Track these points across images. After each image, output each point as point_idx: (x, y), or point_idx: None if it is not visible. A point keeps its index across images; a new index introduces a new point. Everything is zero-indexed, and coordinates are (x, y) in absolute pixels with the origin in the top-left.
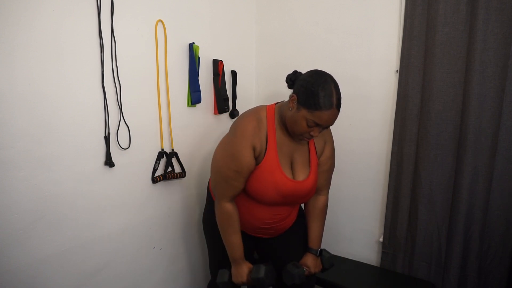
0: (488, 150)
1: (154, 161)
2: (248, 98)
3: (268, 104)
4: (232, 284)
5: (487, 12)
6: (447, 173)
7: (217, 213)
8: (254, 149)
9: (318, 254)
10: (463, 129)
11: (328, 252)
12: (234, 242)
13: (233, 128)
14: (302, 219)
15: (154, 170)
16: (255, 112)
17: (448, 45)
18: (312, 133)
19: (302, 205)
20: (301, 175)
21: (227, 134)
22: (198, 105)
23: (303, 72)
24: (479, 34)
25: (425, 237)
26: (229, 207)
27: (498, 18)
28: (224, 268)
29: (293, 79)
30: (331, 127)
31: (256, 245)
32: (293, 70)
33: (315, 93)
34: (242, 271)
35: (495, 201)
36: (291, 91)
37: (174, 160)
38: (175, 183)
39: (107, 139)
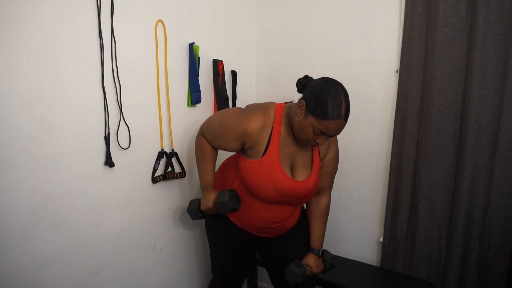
0: (488, 150)
1: (154, 161)
2: (248, 98)
3: (277, 103)
4: (200, 212)
5: (487, 12)
6: (447, 173)
7: (196, 145)
8: (243, 143)
9: (320, 255)
10: (463, 129)
11: (330, 253)
12: (205, 170)
13: (243, 109)
14: (304, 220)
15: (154, 170)
16: (266, 109)
17: (448, 45)
18: (318, 140)
19: (304, 205)
20: (301, 176)
21: (237, 109)
22: (198, 105)
23: (313, 76)
24: (479, 34)
25: (425, 237)
26: (206, 142)
27: (498, 18)
28: (227, 271)
29: (304, 84)
30: None
31: (258, 245)
32: (294, 72)
33: (324, 102)
34: (209, 197)
35: (495, 201)
36: (292, 91)
37: (174, 160)
38: (175, 183)
39: (107, 139)
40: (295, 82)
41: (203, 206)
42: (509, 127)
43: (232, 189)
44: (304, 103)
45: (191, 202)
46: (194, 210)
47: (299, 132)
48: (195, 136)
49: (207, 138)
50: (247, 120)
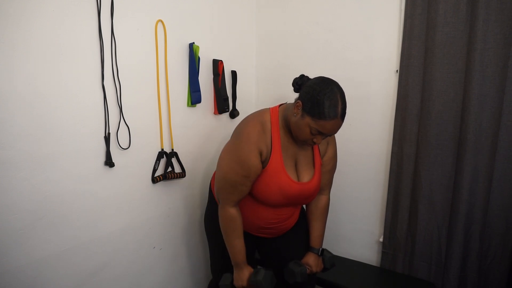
0: (488, 150)
1: (154, 161)
2: (248, 98)
3: (271, 107)
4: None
5: (487, 12)
6: (447, 173)
7: (221, 218)
8: (260, 154)
9: (319, 254)
10: (463, 129)
11: (330, 252)
12: (236, 246)
13: (237, 133)
14: (304, 219)
15: (154, 170)
16: (258, 116)
17: (448, 45)
18: (315, 140)
19: (304, 205)
20: (306, 176)
21: (232, 140)
22: (198, 105)
23: (310, 76)
24: (479, 34)
25: (425, 237)
26: (233, 211)
27: (498, 18)
28: (227, 271)
29: (300, 84)
30: None
31: (258, 245)
32: (294, 72)
33: (320, 102)
34: (243, 275)
35: (495, 201)
36: (292, 91)
37: (174, 160)
38: (175, 183)
39: (107, 139)
40: None
41: (236, 283)
42: (509, 127)
43: (268, 268)
44: (300, 103)
45: (225, 276)
46: (227, 286)
47: (297, 132)
48: (195, 136)
49: (235, 197)
50: (247, 157)
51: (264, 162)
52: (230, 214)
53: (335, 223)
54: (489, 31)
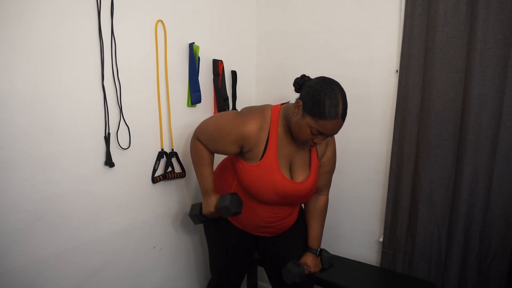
0: (488, 150)
1: (154, 161)
2: (248, 98)
3: (273, 105)
4: (202, 216)
5: (487, 12)
6: (447, 173)
7: (191, 148)
8: (241, 146)
9: (318, 254)
10: (463, 129)
11: (328, 252)
12: (204, 174)
13: (239, 113)
14: (302, 219)
15: (154, 170)
16: (262, 111)
17: (448, 45)
18: (315, 140)
19: (303, 204)
20: (300, 176)
21: (233, 112)
22: (198, 105)
23: (311, 76)
24: (479, 34)
25: (425, 237)
26: (201, 146)
27: (498, 18)
28: (226, 271)
29: (301, 84)
30: None
31: (256, 244)
32: (294, 72)
33: (321, 102)
34: (211, 201)
35: (495, 201)
36: (292, 91)
37: (174, 160)
38: (175, 183)
39: (107, 139)
40: None
41: (204, 211)
42: (509, 127)
43: (233, 192)
44: (301, 103)
45: (193, 206)
46: (196, 214)
47: (297, 132)
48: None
49: (203, 142)
50: (245, 123)
51: (252, 157)
52: (199, 147)
53: (335, 223)
54: (489, 31)
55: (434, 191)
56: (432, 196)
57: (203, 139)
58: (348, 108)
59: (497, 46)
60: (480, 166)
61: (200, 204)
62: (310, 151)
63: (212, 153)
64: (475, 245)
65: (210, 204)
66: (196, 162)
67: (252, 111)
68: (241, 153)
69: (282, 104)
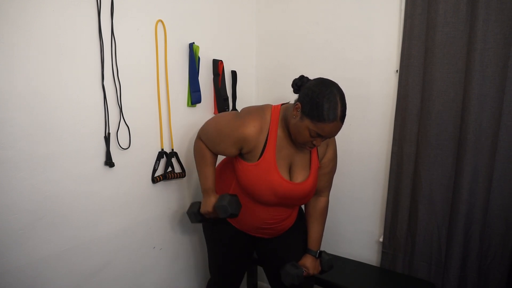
0: (488, 150)
1: (154, 161)
2: (248, 98)
3: (273, 105)
4: (200, 215)
5: (487, 12)
6: (447, 173)
7: (194, 148)
8: (241, 148)
9: (317, 256)
10: (463, 129)
11: (328, 254)
12: (206, 173)
13: (238, 114)
14: (302, 220)
15: (154, 170)
16: (261, 112)
17: (448, 45)
18: (314, 142)
19: (303, 206)
20: (299, 177)
21: (233, 114)
22: (198, 105)
23: (310, 76)
24: (479, 34)
25: (425, 237)
26: (204, 146)
27: (498, 18)
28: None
29: (299, 85)
30: None
31: (255, 245)
32: (294, 72)
33: (319, 105)
34: (210, 201)
35: (495, 201)
36: (292, 92)
37: (174, 160)
38: (175, 183)
39: (107, 139)
40: None
41: (202, 209)
42: (509, 127)
43: (233, 194)
44: (299, 105)
45: (192, 204)
46: (193, 213)
47: (296, 134)
48: (195, 136)
49: (205, 143)
50: (244, 125)
51: (251, 157)
52: (200, 145)
53: (335, 223)
54: (489, 31)
55: (434, 191)
56: (432, 196)
57: (205, 140)
58: (348, 109)
59: (497, 46)
60: (480, 166)
61: (200, 203)
62: (310, 152)
63: (215, 153)
64: (475, 245)
65: (209, 204)
66: (199, 161)
67: (251, 113)
68: (240, 153)
69: (283, 104)
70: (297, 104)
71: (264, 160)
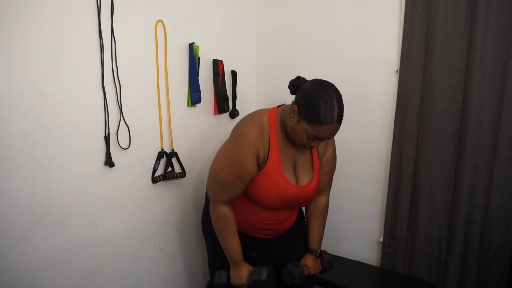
0: (488, 150)
1: (154, 161)
2: (248, 98)
3: (269, 108)
4: (230, 286)
5: (487, 12)
6: (447, 173)
7: (213, 216)
8: (257, 157)
9: (318, 255)
10: (463, 129)
11: (328, 254)
12: (232, 244)
13: (235, 134)
14: (302, 220)
15: (154, 170)
16: (257, 117)
17: (448, 45)
18: (312, 144)
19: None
20: (304, 179)
21: (229, 139)
22: (198, 105)
23: (306, 77)
24: (479, 34)
25: (425, 237)
26: (225, 210)
27: (498, 18)
28: (223, 269)
29: (296, 86)
30: None
31: (255, 245)
32: (294, 72)
33: (315, 107)
34: (242, 273)
35: (495, 201)
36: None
37: (174, 160)
38: (175, 183)
39: (107, 139)
40: None
41: (234, 282)
42: (509, 127)
43: (268, 265)
44: (296, 108)
45: (218, 274)
46: (223, 284)
47: (293, 136)
48: (195, 136)
49: (227, 195)
50: (247, 136)
51: (261, 165)
52: (222, 212)
53: (335, 223)
54: (489, 31)
55: (434, 191)
56: (432, 196)
57: (224, 195)
58: (348, 109)
59: (497, 46)
60: (480, 166)
61: (227, 273)
62: (311, 152)
63: (235, 217)
64: (475, 245)
65: (242, 276)
66: (222, 231)
67: (245, 123)
68: None
69: (279, 106)
70: (293, 107)
71: (270, 166)
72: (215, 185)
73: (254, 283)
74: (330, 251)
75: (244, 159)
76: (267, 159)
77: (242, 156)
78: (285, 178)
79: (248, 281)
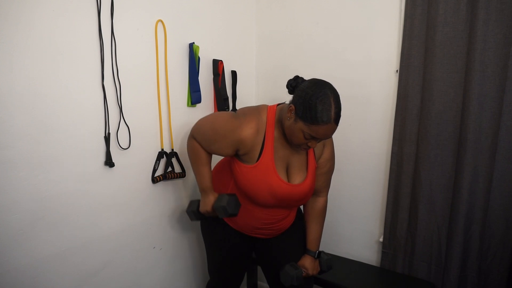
0: (488, 150)
1: (154, 161)
2: (248, 98)
3: (269, 105)
4: (199, 213)
5: (487, 12)
6: (447, 173)
7: (188, 147)
8: (237, 149)
9: (316, 256)
10: (463, 129)
11: (327, 254)
12: (202, 172)
13: (236, 116)
14: (301, 221)
15: (154, 170)
16: (257, 113)
17: (448, 45)
18: (309, 144)
19: (301, 206)
20: (297, 179)
21: (229, 113)
22: (198, 105)
23: (305, 77)
24: (479, 34)
25: (425, 237)
26: (198, 145)
27: (498, 18)
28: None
29: (294, 85)
30: None
31: (254, 245)
32: (294, 72)
33: (312, 107)
34: (208, 200)
35: (495, 201)
36: None
37: (174, 160)
38: (175, 183)
39: (107, 139)
40: None
41: (202, 209)
42: (509, 127)
43: (232, 193)
44: (293, 107)
45: (191, 202)
46: (193, 211)
47: (290, 136)
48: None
49: (199, 142)
50: (241, 127)
51: (245, 156)
52: (194, 145)
53: (335, 223)
54: (489, 31)
55: (434, 191)
56: (432, 196)
57: (199, 139)
58: (348, 109)
59: (497, 46)
60: (480, 166)
61: (198, 201)
62: (307, 153)
63: (209, 153)
64: (475, 245)
65: (208, 203)
66: (194, 161)
67: (247, 114)
68: (237, 154)
69: (278, 104)
70: (291, 106)
71: (262, 162)
72: (196, 126)
73: (216, 209)
74: (330, 251)
75: (224, 140)
76: (259, 155)
77: (224, 137)
78: (277, 175)
79: (212, 207)
